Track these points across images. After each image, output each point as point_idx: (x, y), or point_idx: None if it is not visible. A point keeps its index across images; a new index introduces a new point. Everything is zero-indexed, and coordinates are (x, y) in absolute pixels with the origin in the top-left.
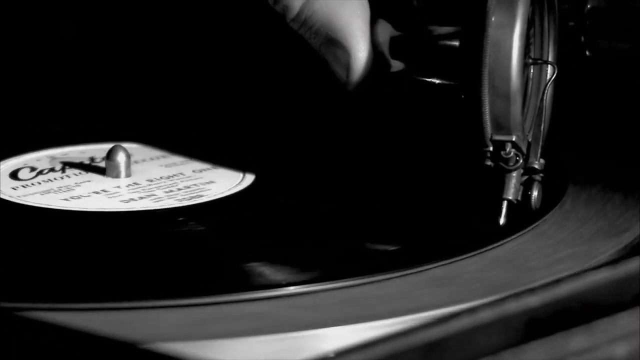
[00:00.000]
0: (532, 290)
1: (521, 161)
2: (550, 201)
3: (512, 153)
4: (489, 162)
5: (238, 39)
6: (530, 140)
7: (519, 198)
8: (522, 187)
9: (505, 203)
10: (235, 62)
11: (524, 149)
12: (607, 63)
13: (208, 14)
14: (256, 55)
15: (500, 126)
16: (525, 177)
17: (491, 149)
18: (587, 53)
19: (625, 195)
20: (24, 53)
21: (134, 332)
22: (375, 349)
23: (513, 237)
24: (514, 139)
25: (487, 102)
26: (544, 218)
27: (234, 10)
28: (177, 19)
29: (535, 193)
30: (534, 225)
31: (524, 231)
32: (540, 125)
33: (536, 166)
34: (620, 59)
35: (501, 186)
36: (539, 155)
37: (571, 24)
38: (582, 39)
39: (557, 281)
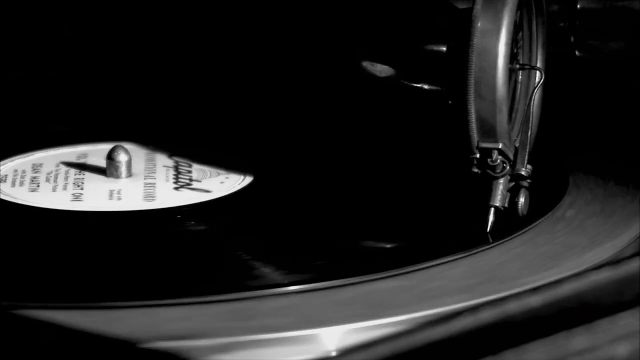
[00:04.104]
0: (534, 290)
1: (508, 168)
2: (549, 202)
3: (498, 160)
4: (475, 169)
5: (238, 39)
6: (517, 146)
7: (506, 205)
8: (509, 194)
9: (492, 210)
10: (235, 62)
11: (511, 156)
12: (598, 63)
13: (208, 14)
14: (256, 55)
15: (487, 134)
16: (512, 184)
17: (478, 156)
18: (578, 53)
19: (624, 195)
20: (24, 53)
21: (134, 331)
22: (376, 348)
23: (512, 237)
24: (500, 147)
25: (473, 110)
26: (544, 218)
27: (234, 10)
28: (177, 19)
29: (522, 200)
30: (533, 226)
31: (523, 231)
32: (527, 132)
33: (523, 173)
34: (611, 58)
35: (488, 193)
36: (525, 161)
37: (561, 24)
38: (572, 39)
39: (559, 281)
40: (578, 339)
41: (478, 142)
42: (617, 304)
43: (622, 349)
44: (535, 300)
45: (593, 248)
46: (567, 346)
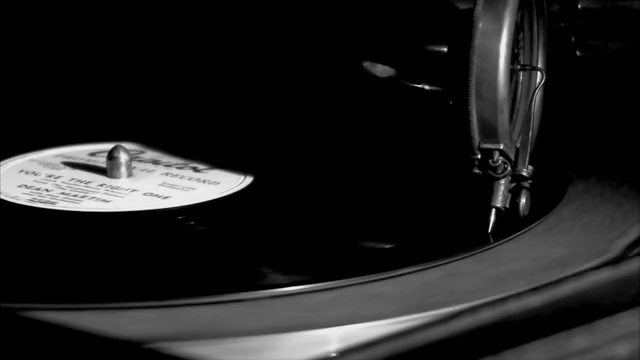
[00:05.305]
0: (534, 290)
1: (509, 169)
2: (549, 201)
3: (499, 161)
4: (476, 170)
5: (238, 39)
6: (518, 146)
7: (507, 205)
8: (510, 195)
9: (493, 211)
10: (236, 62)
11: (512, 157)
12: (598, 63)
13: (208, 14)
14: (256, 55)
15: (488, 134)
16: (514, 184)
17: (479, 156)
18: (578, 53)
19: (624, 195)
20: (24, 53)
21: (134, 331)
22: (377, 348)
23: (513, 237)
24: (501, 147)
25: (474, 111)
26: (544, 218)
27: (234, 10)
28: (177, 19)
29: (523, 200)
30: (533, 226)
31: (523, 231)
32: (528, 132)
33: (524, 173)
34: (611, 58)
35: (489, 194)
36: (527, 162)
37: (562, 24)
38: (573, 39)
39: (559, 281)
40: (578, 339)
41: (479, 142)
42: (617, 304)
43: (622, 349)
44: (535, 300)
45: (593, 248)
46: (567, 346)
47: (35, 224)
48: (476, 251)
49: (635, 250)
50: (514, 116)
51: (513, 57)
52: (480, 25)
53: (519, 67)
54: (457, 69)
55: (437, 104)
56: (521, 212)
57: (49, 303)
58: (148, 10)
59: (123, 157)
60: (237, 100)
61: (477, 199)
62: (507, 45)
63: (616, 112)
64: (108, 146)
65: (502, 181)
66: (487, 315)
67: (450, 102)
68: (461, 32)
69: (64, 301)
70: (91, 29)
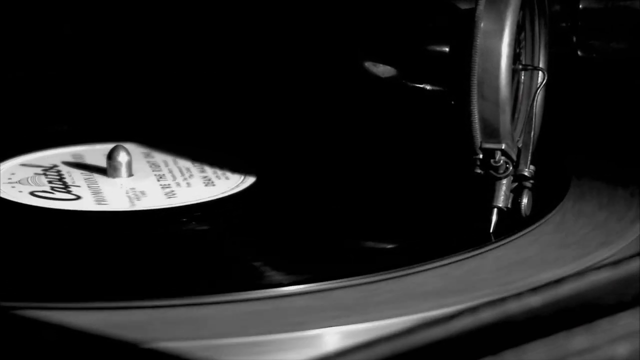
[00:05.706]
0: (534, 290)
1: (511, 169)
2: (550, 202)
3: (501, 161)
4: (478, 170)
5: (238, 39)
6: (520, 146)
7: (509, 205)
8: (512, 195)
9: (495, 210)
10: (236, 62)
11: (514, 156)
12: (600, 63)
13: (208, 14)
14: (257, 55)
15: (490, 134)
16: (515, 184)
17: (481, 156)
18: (579, 53)
19: (625, 195)
20: (24, 53)
21: (134, 332)
22: (376, 349)
23: (513, 237)
24: (503, 147)
25: (476, 111)
26: (545, 219)
27: (234, 10)
28: (177, 19)
29: (525, 200)
30: (534, 227)
31: (524, 232)
32: (530, 132)
33: (526, 173)
34: (613, 58)
35: (491, 194)
36: (529, 162)
37: (563, 24)
38: (574, 39)
39: (559, 281)
40: (578, 339)
41: (481, 142)
42: (617, 304)
43: (622, 349)
44: (535, 300)
45: (593, 248)
46: (567, 346)
47: (35, 224)
48: (477, 251)
49: (635, 250)
50: (516, 116)
51: (515, 57)
52: (482, 25)
53: (520, 67)
54: (459, 69)
55: (438, 104)
56: (523, 212)
57: (47, 302)
58: (148, 10)
59: (123, 157)
60: (238, 100)
61: (478, 199)
62: (509, 45)
63: (617, 113)
64: (108, 146)
65: (504, 181)
66: (487, 315)
67: (452, 102)
68: (463, 32)
69: (64, 301)
70: (91, 29)
